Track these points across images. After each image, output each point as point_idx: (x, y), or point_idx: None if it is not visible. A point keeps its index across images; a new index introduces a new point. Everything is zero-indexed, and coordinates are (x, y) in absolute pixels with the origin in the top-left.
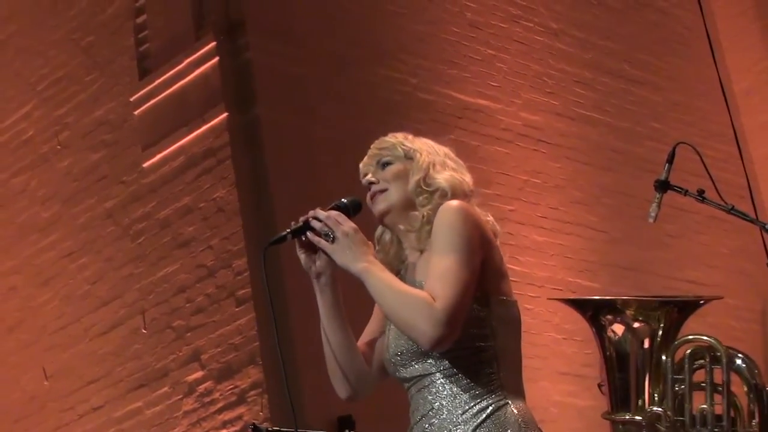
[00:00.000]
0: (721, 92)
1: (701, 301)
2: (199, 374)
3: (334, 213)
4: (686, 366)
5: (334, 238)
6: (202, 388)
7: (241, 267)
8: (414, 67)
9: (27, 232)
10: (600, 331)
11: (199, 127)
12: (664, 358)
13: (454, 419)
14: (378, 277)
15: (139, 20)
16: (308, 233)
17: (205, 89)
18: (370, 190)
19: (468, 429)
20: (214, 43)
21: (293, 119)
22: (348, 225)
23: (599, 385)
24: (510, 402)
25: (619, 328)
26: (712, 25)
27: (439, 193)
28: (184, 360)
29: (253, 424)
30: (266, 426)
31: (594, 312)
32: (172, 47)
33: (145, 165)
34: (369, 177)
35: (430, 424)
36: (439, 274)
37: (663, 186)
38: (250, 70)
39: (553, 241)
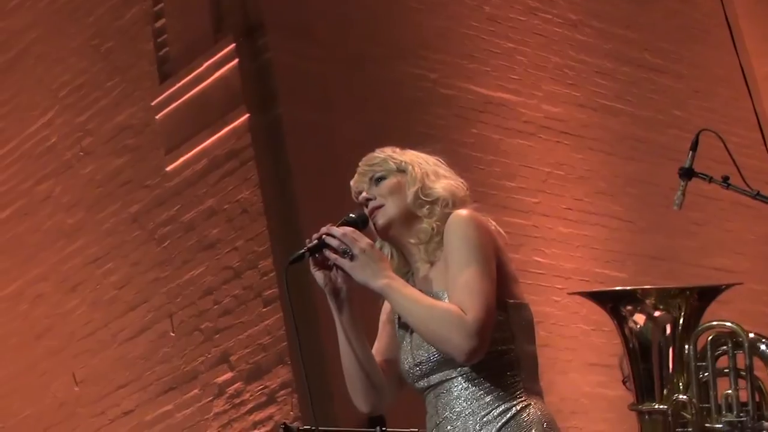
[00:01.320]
0: (742, 78)
1: (722, 287)
2: (228, 375)
3: (349, 230)
4: (709, 353)
5: (352, 255)
6: (231, 389)
7: (267, 267)
8: (434, 62)
9: (53, 239)
10: (621, 322)
11: (221, 129)
12: (686, 346)
13: (478, 420)
14: (402, 292)
15: (158, 24)
16: (325, 251)
17: (225, 91)
18: (366, 207)
19: (492, 430)
20: (233, 45)
21: (315, 118)
22: (365, 241)
23: (623, 381)
24: (532, 403)
25: (640, 318)
26: (731, 10)
27: (441, 203)
28: (213, 362)
29: (284, 423)
30: (297, 425)
31: (614, 304)
32: (191, 50)
33: (169, 169)
34: (365, 194)
35: (453, 427)
36: (462, 286)
37: (687, 173)
38: (270, 70)
39: (578, 233)
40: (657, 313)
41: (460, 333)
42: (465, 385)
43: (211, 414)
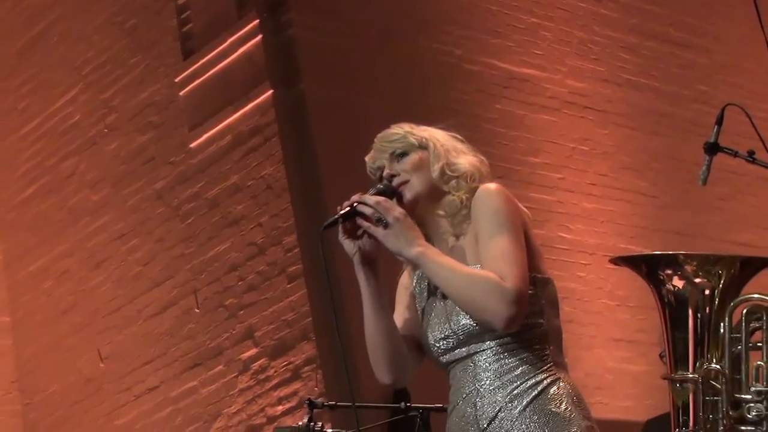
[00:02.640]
0: None
1: None
2: (253, 351)
3: (382, 198)
4: (743, 325)
5: (386, 223)
6: (256, 365)
7: (291, 244)
8: (458, 38)
9: (78, 216)
10: (659, 287)
11: (245, 106)
12: (722, 318)
13: (507, 393)
14: (437, 260)
15: (181, 1)
16: (359, 219)
17: (249, 67)
18: (389, 182)
19: (522, 402)
20: (257, 21)
21: (338, 94)
22: (398, 210)
23: (660, 355)
24: (561, 377)
25: (679, 283)
26: None
27: (469, 177)
28: (237, 338)
29: (309, 399)
30: (322, 401)
31: (651, 269)
32: (215, 26)
33: (193, 145)
34: (387, 171)
35: (480, 398)
36: (498, 254)
37: (712, 148)
38: (294, 46)
39: (603, 208)
40: (697, 280)
41: (500, 300)
42: (493, 358)
43: (236, 390)
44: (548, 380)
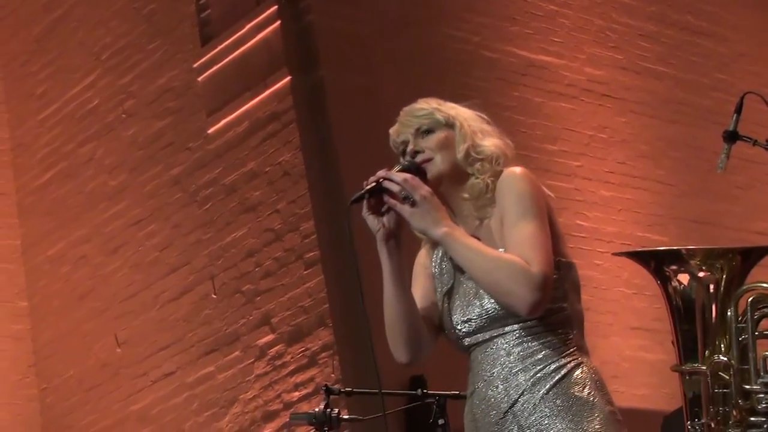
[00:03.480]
0: None
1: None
2: (269, 338)
3: (409, 176)
4: (749, 314)
5: (413, 201)
6: (273, 351)
7: (308, 230)
8: (476, 25)
9: (95, 201)
10: (664, 282)
11: (263, 92)
12: (728, 307)
13: (530, 377)
14: (463, 242)
15: None
16: (385, 196)
17: (267, 53)
18: (409, 158)
19: (546, 385)
20: (275, 7)
21: (356, 80)
22: (425, 189)
23: (672, 342)
24: (584, 361)
25: (683, 279)
26: None
27: (494, 160)
28: (254, 324)
29: (326, 385)
30: (338, 387)
31: (657, 263)
32: (233, 12)
33: (210, 131)
34: (412, 146)
35: (502, 381)
36: (524, 239)
37: (731, 136)
38: (312, 32)
39: (620, 196)
40: (701, 274)
41: (526, 285)
42: (516, 342)
43: (253, 376)
44: (572, 364)
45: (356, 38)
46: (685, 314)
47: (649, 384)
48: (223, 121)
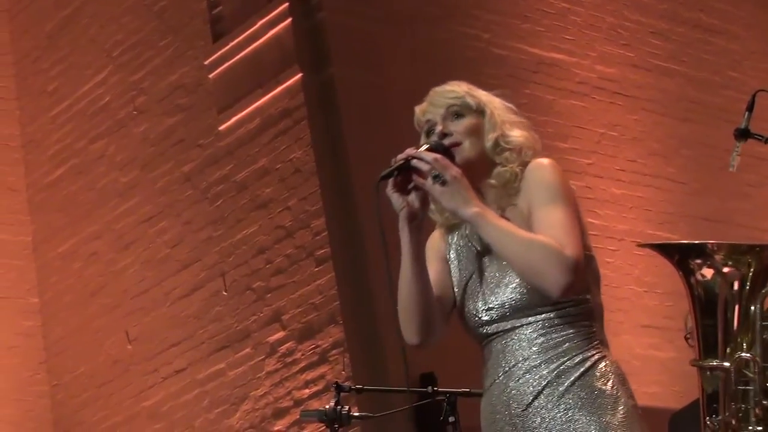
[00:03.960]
0: None
1: None
2: (280, 335)
3: (440, 156)
4: None
5: (443, 180)
6: (283, 348)
7: (319, 227)
8: (487, 22)
9: (107, 198)
10: (688, 275)
11: (274, 89)
12: (753, 305)
13: (553, 369)
14: (495, 223)
15: None
16: (415, 176)
17: (279, 50)
18: (436, 139)
19: (570, 378)
20: (286, 4)
21: (367, 78)
22: (455, 169)
23: (686, 338)
24: (607, 354)
25: (708, 273)
26: None
27: (523, 151)
28: (265, 321)
29: (336, 382)
30: (349, 384)
31: (682, 257)
32: (244, 9)
33: (221, 128)
34: (440, 128)
35: (525, 372)
36: (555, 223)
37: (743, 134)
38: (323, 29)
39: (631, 194)
40: (726, 269)
41: (559, 267)
42: (538, 333)
43: (263, 373)
44: (596, 357)
45: (367, 35)
46: (708, 309)
47: (660, 382)
48: (235, 118)
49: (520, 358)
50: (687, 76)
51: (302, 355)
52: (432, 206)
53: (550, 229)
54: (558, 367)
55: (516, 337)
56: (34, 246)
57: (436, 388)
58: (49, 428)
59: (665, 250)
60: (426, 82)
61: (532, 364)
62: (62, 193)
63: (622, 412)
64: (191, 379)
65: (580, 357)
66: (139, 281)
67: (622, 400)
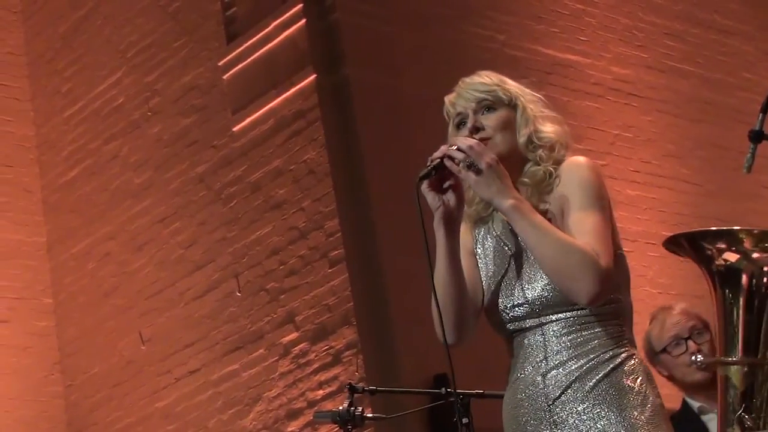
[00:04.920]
0: None
1: None
2: (294, 336)
3: (474, 142)
4: None
5: (478, 169)
6: (297, 349)
7: (333, 228)
8: (502, 23)
9: (120, 199)
10: (710, 269)
11: (288, 90)
12: None
13: (583, 365)
14: (531, 218)
15: None
16: (448, 162)
17: (293, 51)
18: (464, 132)
19: (598, 375)
20: (300, 5)
21: (381, 79)
22: (490, 156)
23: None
24: (635, 353)
25: (732, 260)
26: None
27: (556, 148)
28: (278, 322)
29: (350, 384)
30: (362, 386)
31: (698, 244)
32: (258, 10)
33: (235, 129)
34: (472, 122)
35: (553, 368)
36: (591, 229)
37: (757, 136)
38: (337, 30)
39: (646, 195)
40: (756, 255)
41: (593, 276)
42: (567, 330)
43: (277, 374)
44: (624, 354)
45: (381, 36)
46: (728, 307)
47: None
48: (248, 119)
49: (549, 354)
50: (701, 78)
51: (316, 356)
52: None
53: (585, 236)
54: (587, 363)
55: (544, 334)
56: (49, 246)
57: (449, 390)
58: (62, 429)
59: (692, 239)
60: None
61: (561, 359)
62: (76, 193)
63: (649, 410)
64: (205, 380)
65: (609, 354)
66: (152, 282)
67: (650, 398)
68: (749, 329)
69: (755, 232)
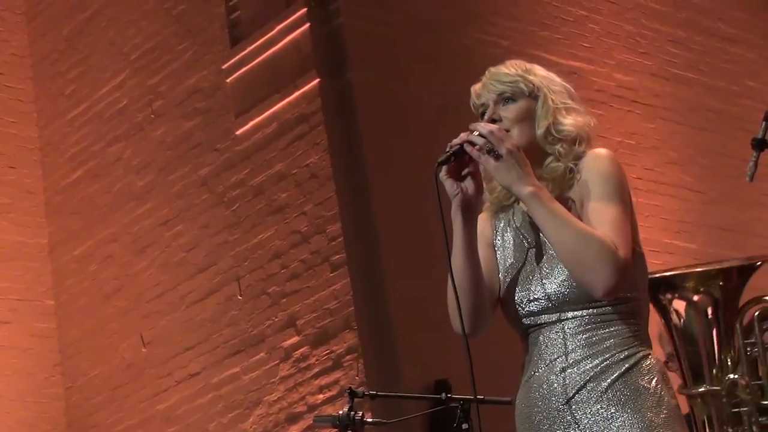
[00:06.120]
0: None
1: (758, 263)
2: (295, 339)
3: (495, 127)
4: (756, 328)
5: (497, 155)
6: (298, 353)
7: (335, 232)
8: (506, 29)
9: (123, 201)
10: (662, 309)
11: (292, 94)
12: (735, 324)
13: (598, 363)
14: (550, 207)
15: None
16: (469, 149)
17: (296, 55)
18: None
19: (614, 374)
20: (304, 9)
21: (385, 83)
22: (511, 142)
23: (666, 362)
24: (651, 353)
25: (680, 304)
26: None
27: (576, 142)
28: (280, 326)
29: (350, 388)
30: (363, 390)
31: (653, 290)
32: (263, 14)
33: (238, 132)
34: (490, 113)
35: (569, 367)
36: (610, 221)
37: (760, 144)
38: (341, 35)
39: (648, 203)
40: (696, 297)
41: (611, 267)
42: (584, 327)
43: (277, 377)
44: (640, 354)
45: (385, 41)
46: (686, 337)
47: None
48: (252, 123)
49: (563, 352)
50: (705, 85)
51: (316, 360)
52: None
53: (604, 226)
54: (602, 362)
55: (560, 331)
56: (50, 248)
57: (450, 395)
58: (63, 430)
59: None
60: (443, 88)
61: (576, 358)
62: (79, 195)
63: (665, 411)
64: (205, 383)
65: (625, 354)
66: (154, 285)
67: (666, 399)
68: (696, 359)
69: (698, 270)
